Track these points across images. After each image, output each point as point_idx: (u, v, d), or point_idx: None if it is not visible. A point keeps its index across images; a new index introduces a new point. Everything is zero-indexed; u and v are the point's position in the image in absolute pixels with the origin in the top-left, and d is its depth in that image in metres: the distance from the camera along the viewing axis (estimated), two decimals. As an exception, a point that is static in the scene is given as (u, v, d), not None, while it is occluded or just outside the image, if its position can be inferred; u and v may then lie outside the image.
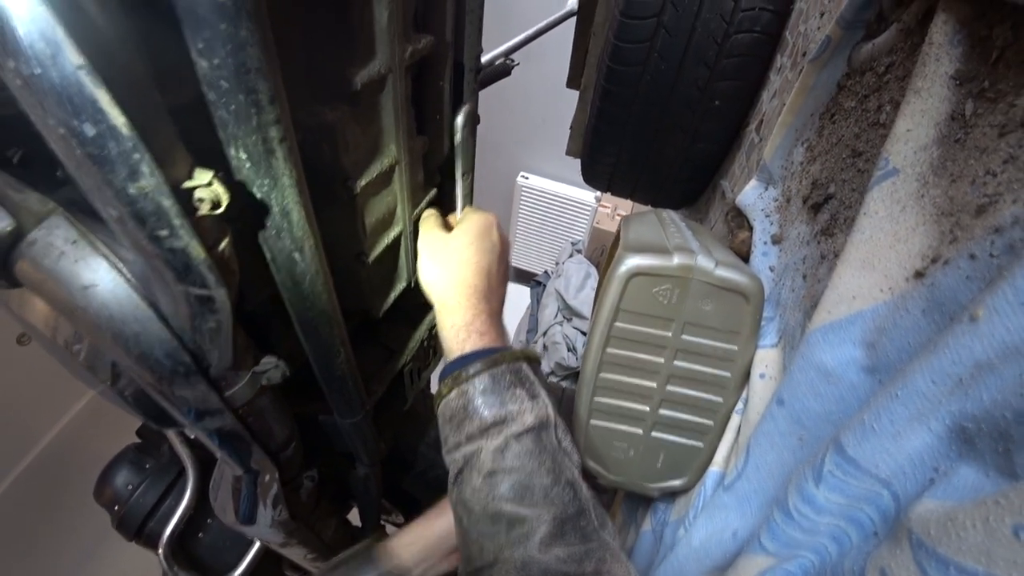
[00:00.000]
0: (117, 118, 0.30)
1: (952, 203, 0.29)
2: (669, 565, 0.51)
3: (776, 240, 0.56)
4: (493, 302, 0.55)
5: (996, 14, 0.28)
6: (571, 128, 1.05)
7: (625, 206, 2.24)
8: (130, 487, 1.07)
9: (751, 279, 0.52)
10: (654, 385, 0.56)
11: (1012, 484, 0.21)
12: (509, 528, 0.42)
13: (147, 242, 0.36)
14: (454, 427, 0.48)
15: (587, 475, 0.68)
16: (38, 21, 0.27)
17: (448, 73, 0.60)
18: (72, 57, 0.28)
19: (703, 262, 0.51)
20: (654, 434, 0.59)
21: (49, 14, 0.27)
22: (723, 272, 0.51)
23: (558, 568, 0.40)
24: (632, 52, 0.72)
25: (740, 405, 0.52)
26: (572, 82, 1.03)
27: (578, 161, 1.08)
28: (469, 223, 0.59)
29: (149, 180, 0.33)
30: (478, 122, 0.71)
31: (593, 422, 0.60)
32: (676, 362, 0.55)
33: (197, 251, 0.38)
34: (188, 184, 0.36)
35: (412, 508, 1.27)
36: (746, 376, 0.56)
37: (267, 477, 0.69)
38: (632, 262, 0.51)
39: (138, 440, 1.20)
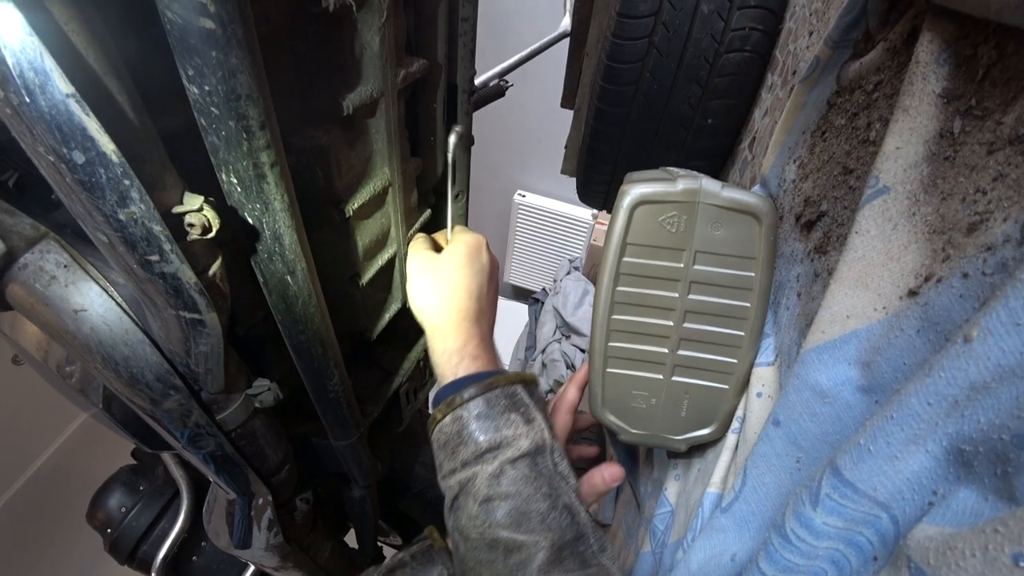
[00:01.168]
0: (107, 145, 0.30)
1: (943, 221, 0.29)
2: None
3: (770, 257, 0.56)
4: (484, 325, 0.55)
5: (980, 33, 0.28)
6: (566, 147, 1.06)
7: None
8: (123, 509, 1.05)
9: (761, 199, 0.49)
10: (671, 323, 0.53)
11: (1011, 510, 0.21)
12: (507, 555, 0.42)
13: (137, 267, 0.36)
14: (448, 453, 0.47)
15: (609, 432, 0.65)
16: (27, 51, 0.27)
17: (442, 95, 0.61)
18: (61, 85, 0.28)
19: (709, 185, 0.49)
20: (675, 378, 0.56)
21: (38, 43, 0.27)
22: (730, 193, 0.49)
23: None
24: (624, 72, 0.73)
25: (736, 424, 0.51)
26: (566, 102, 1.05)
27: (558, 180, 1.08)
28: (458, 245, 0.58)
29: (139, 206, 0.33)
30: (472, 143, 0.71)
31: (609, 370, 0.57)
32: (691, 295, 0.52)
33: (187, 275, 0.38)
34: (178, 209, 0.36)
35: (410, 529, 1.25)
36: (766, 306, 0.53)
37: (260, 500, 0.68)
38: (635, 191, 0.49)
39: (133, 462, 1.18)
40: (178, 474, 1.05)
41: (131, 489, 1.08)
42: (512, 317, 2.57)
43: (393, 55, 0.48)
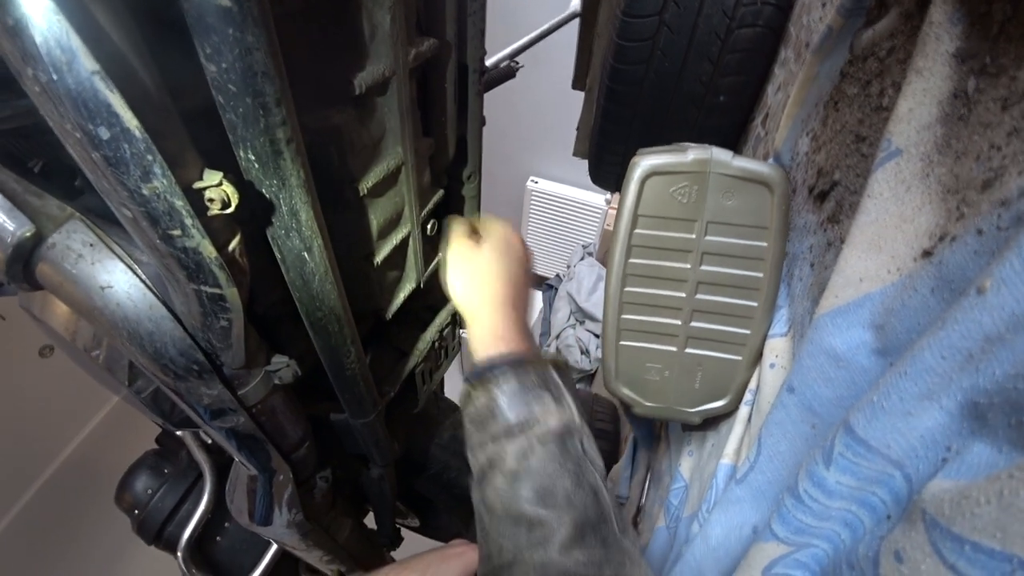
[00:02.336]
0: (130, 121, 0.31)
1: (957, 180, 0.29)
2: (686, 564, 0.50)
3: (784, 231, 0.55)
4: (520, 310, 0.56)
5: (995, -10, 0.28)
6: (577, 129, 1.05)
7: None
8: (149, 492, 1.09)
9: (772, 168, 0.50)
10: (683, 295, 0.54)
11: None
12: (529, 530, 0.43)
13: (160, 241, 0.37)
14: (478, 427, 0.48)
15: (623, 406, 0.66)
16: (54, 29, 0.28)
17: (452, 75, 0.61)
18: (87, 63, 0.29)
19: (719, 155, 0.49)
20: (688, 350, 0.57)
21: (65, 22, 0.28)
22: (741, 163, 0.50)
23: (577, 572, 0.40)
24: (635, 50, 0.72)
25: (749, 396, 0.51)
26: (577, 83, 1.04)
27: (587, 163, 1.08)
28: (495, 236, 0.60)
29: (161, 181, 0.34)
30: (483, 124, 0.71)
31: (623, 343, 0.58)
32: (703, 267, 0.52)
33: (208, 250, 0.39)
34: (199, 184, 0.37)
35: (427, 510, 1.27)
36: (779, 277, 0.53)
37: (281, 477, 0.70)
38: (646, 162, 0.49)
39: (157, 447, 1.22)
40: (201, 457, 1.08)
41: (156, 472, 1.11)
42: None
43: (403, 34, 0.49)
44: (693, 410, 0.58)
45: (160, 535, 1.06)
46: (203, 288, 0.41)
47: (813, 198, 0.51)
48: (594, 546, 0.42)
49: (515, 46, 0.82)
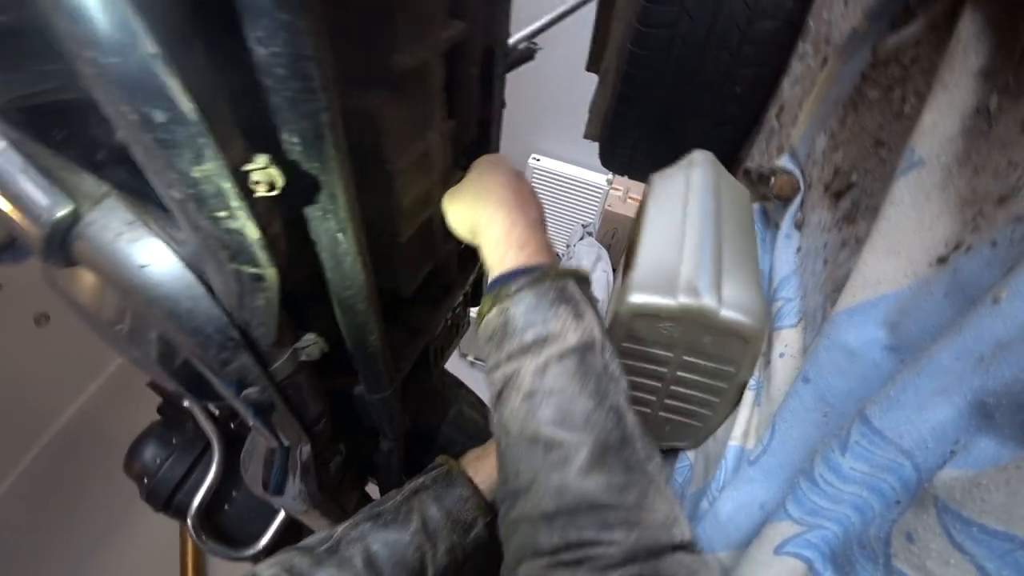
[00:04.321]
0: (186, 104, 0.32)
1: (975, 193, 0.31)
2: (695, 537, 0.54)
3: (798, 225, 0.57)
4: (529, 211, 0.53)
5: (1022, 11, 0.29)
6: (590, 112, 1.05)
7: (637, 189, 2.24)
8: (158, 461, 1.11)
9: (753, 321, 0.53)
10: (659, 385, 0.60)
11: None
12: (546, 452, 0.40)
13: (206, 222, 0.38)
14: (494, 346, 0.46)
15: None
16: (117, 12, 0.29)
17: (478, 59, 0.62)
18: (148, 47, 0.30)
19: (707, 302, 0.52)
20: (661, 413, 0.63)
21: (127, 5, 0.29)
22: (726, 315, 0.53)
23: (596, 496, 0.38)
24: (655, 37, 0.72)
25: (753, 382, 0.54)
26: (592, 65, 1.04)
27: (589, 143, 1.09)
28: (479, 161, 0.59)
29: (212, 163, 0.35)
30: (504, 106, 0.72)
31: None
32: (678, 372, 0.58)
33: (252, 232, 0.40)
34: (247, 167, 0.38)
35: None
36: (742, 387, 0.59)
37: (300, 450, 0.72)
38: (635, 300, 0.53)
39: (159, 418, 1.23)
40: (209, 429, 1.10)
41: (165, 442, 1.13)
42: (523, 282, 2.59)
43: (440, 19, 0.49)
44: (661, 443, 0.65)
45: (169, 503, 1.08)
46: (243, 268, 0.43)
47: (829, 196, 0.52)
48: (616, 470, 0.39)
49: (533, 27, 0.82)
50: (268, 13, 0.33)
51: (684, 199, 0.60)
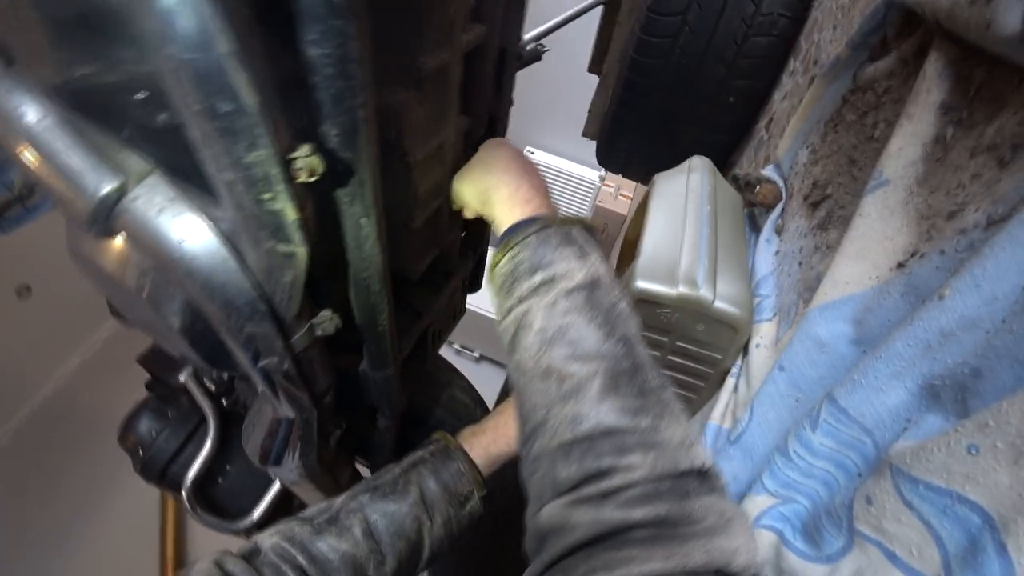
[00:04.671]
0: (250, 97, 0.36)
1: (930, 209, 0.36)
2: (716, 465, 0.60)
3: (778, 231, 0.63)
4: (533, 178, 0.55)
5: (976, 57, 0.35)
6: (589, 112, 1.10)
7: (628, 186, 2.30)
8: (153, 433, 1.13)
9: (743, 313, 0.58)
10: None
11: (969, 417, 0.28)
12: (559, 383, 0.41)
13: (251, 203, 0.42)
14: (505, 292, 0.47)
15: None
16: (199, 14, 0.32)
17: (493, 59, 0.66)
18: (223, 45, 0.33)
19: (703, 293, 0.57)
20: None
21: (208, 8, 0.32)
22: (719, 306, 0.58)
23: (610, 421, 0.38)
24: (656, 46, 0.77)
25: (735, 369, 0.60)
26: (594, 67, 1.08)
27: (584, 139, 1.13)
28: (484, 144, 0.63)
29: (264, 151, 0.39)
30: (511, 104, 0.76)
31: None
32: (670, 356, 0.63)
33: (291, 213, 0.44)
34: (293, 155, 0.42)
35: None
36: (725, 373, 0.64)
37: (305, 422, 0.76)
38: (641, 287, 0.58)
39: (147, 394, 1.25)
40: (204, 403, 1.12)
41: (160, 415, 1.15)
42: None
43: (462, 23, 0.53)
44: None
45: (164, 475, 1.10)
46: (278, 246, 0.46)
47: (807, 205, 0.58)
48: (629, 395, 0.39)
49: (541, 28, 0.86)
50: (323, 19, 0.37)
51: (684, 199, 0.65)
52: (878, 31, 0.49)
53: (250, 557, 0.52)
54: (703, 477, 0.37)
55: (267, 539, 0.56)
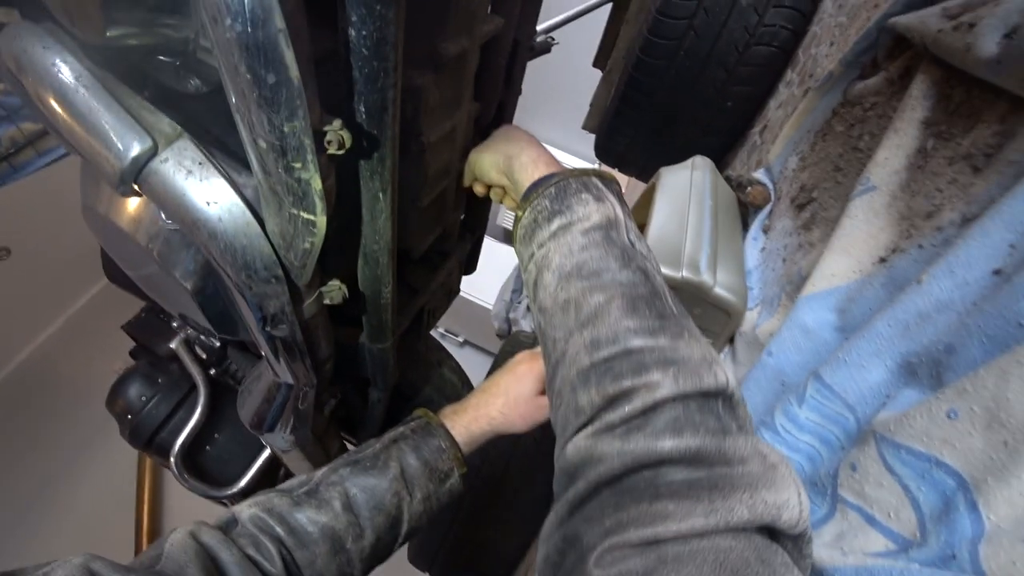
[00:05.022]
0: (294, 71, 0.38)
1: (911, 211, 0.40)
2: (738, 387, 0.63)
3: (765, 230, 0.67)
4: (547, 154, 0.57)
5: (957, 78, 0.39)
6: (591, 106, 1.13)
7: (622, 180, 2.34)
8: (143, 399, 1.12)
9: (739, 300, 0.62)
10: None
11: (946, 386, 0.32)
12: (578, 312, 0.40)
13: (282, 171, 0.44)
14: (528, 241, 0.48)
15: None
16: (258, -10, 0.34)
17: (507, 49, 0.68)
18: (278, 22, 0.35)
19: (705, 278, 0.61)
20: None
21: (266, -16, 0.34)
22: (719, 292, 0.62)
23: (629, 341, 0.36)
24: (662, 47, 0.80)
25: (723, 355, 0.64)
26: (599, 62, 1.11)
27: (582, 133, 1.16)
28: (498, 129, 0.65)
29: (301, 121, 0.41)
30: (519, 93, 0.79)
31: None
32: None
33: (317, 183, 0.46)
34: (325, 127, 0.44)
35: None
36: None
37: (304, 390, 0.78)
38: None
39: (134, 360, 1.24)
40: (195, 371, 1.13)
41: (150, 381, 1.15)
42: (503, 260, 2.67)
43: (483, 14, 0.56)
44: None
45: (151, 441, 1.10)
46: (302, 214, 0.49)
47: (794, 207, 0.62)
48: (647, 316, 0.38)
49: (551, 22, 0.88)
50: (367, 3, 0.40)
51: (688, 193, 0.69)
52: (869, 52, 0.53)
53: (227, 528, 0.52)
54: (730, 404, 0.35)
55: (245, 510, 0.55)
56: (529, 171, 0.54)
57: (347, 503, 0.60)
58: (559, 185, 0.48)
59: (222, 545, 0.48)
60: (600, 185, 0.48)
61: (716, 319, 0.63)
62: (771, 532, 0.29)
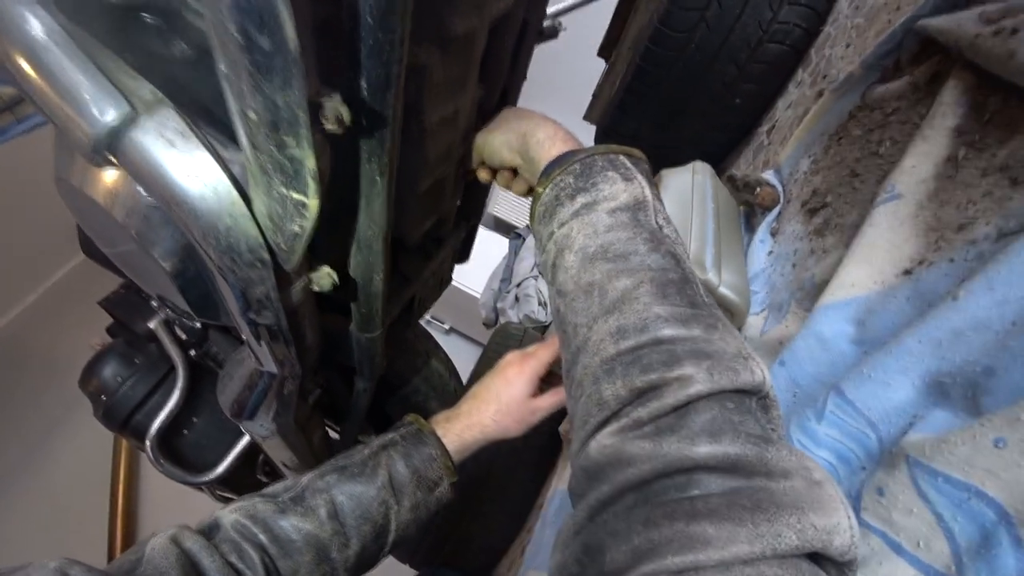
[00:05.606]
0: (290, 35, 0.35)
1: (939, 222, 0.38)
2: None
3: (773, 233, 0.65)
4: (564, 130, 0.54)
5: (992, 86, 0.37)
6: (594, 96, 1.10)
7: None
8: (119, 379, 1.09)
9: (742, 301, 0.61)
10: None
11: (991, 412, 0.30)
12: (602, 297, 0.37)
13: (273, 146, 0.41)
14: (547, 220, 0.44)
15: None
16: (249, -59, 0.31)
17: (515, 32, 0.65)
18: (274, -21, 0.32)
19: (711, 276, 0.59)
20: None
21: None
22: (723, 291, 0.60)
23: (658, 329, 0.33)
24: (673, 39, 0.77)
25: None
26: (604, 52, 1.07)
27: (580, 122, 1.13)
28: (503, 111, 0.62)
29: (295, 92, 0.38)
30: (524, 79, 0.76)
31: None
32: None
33: (310, 162, 0.43)
34: (321, 99, 0.41)
35: (387, 428, 1.36)
36: None
37: (286, 377, 0.74)
38: None
39: (112, 338, 1.20)
40: (174, 352, 1.09)
41: (127, 361, 1.11)
42: (492, 248, 2.65)
43: (495, -10, 0.52)
44: None
45: (127, 423, 1.06)
46: (293, 194, 0.45)
47: (805, 211, 0.60)
48: (679, 304, 0.35)
49: (560, 6, 0.85)
50: (372, -34, 0.36)
51: (691, 194, 0.67)
52: (892, 54, 0.51)
53: (209, 533, 0.51)
54: (764, 404, 0.32)
55: (228, 515, 0.54)
56: (547, 148, 0.50)
57: (333, 511, 0.58)
58: (584, 162, 0.44)
59: (204, 551, 0.46)
60: (628, 164, 0.45)
61: None
62: (815, 556, 0.27)
